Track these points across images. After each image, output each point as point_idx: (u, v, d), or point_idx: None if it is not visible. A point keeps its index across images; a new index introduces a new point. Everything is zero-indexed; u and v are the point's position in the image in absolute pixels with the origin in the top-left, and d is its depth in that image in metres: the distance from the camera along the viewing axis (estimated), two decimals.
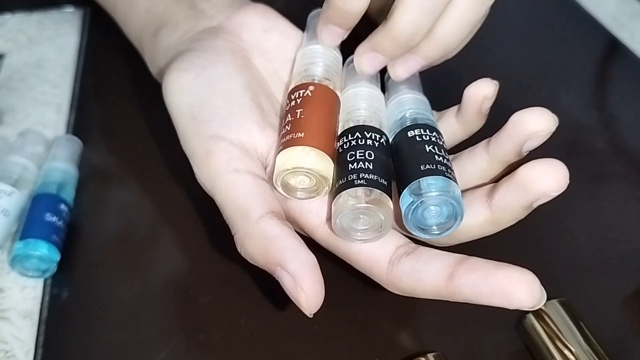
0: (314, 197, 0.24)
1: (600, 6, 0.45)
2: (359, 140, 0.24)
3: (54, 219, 0.29)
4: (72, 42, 0.42)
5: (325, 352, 0.26)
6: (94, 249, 0.30)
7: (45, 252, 0.28)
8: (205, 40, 0.29)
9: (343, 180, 0.23)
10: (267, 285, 0.28)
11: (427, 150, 0.23)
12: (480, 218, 0.23)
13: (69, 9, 0.45)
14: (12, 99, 0.38)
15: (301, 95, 0.26)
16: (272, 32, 0.30)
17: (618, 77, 0.40)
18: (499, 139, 0.23)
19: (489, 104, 0.25)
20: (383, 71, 0.29)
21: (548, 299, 0.25)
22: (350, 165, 0.23)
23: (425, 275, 0.22)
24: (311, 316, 0.21)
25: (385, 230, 0.23)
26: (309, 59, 0.28)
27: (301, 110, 0.25)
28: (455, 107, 0.27)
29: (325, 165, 0.24)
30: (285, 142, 0.24)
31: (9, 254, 0.29)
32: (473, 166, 0.24)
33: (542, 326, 0.25)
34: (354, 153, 0.24)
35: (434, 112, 0.28)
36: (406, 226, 0.23)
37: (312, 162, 0.23)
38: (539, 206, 0.31)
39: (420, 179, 0.22)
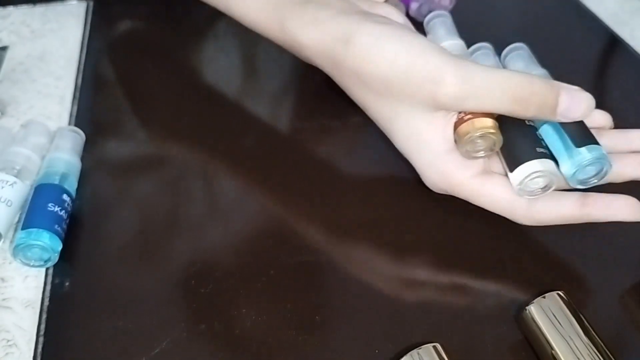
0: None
1: (600, 3, 0.45)
2: None
3: (57, 209, 0.29)
4: (75, 34, 0.42)
5: (325, 342, 0.26)
6: (96, 239, 0.30)
7: (47, 242, 0.28)
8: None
9: None
10: (267, 276, 0.28)
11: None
12: None
13: (72, 2, 0.45)
14: (15, 90, 0.38)
15: None
16: None
17: (618, 73, 0.40)
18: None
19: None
20: None
21: (547, 292, 0.26)
22: None
23: (561, 206, 0.28)
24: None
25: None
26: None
27: None
28: None
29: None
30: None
31: (11, 243, 0.29)
32: None
33: (541, 318, 0.25)
34: None
35: None
36: (572, 181, 0.28)
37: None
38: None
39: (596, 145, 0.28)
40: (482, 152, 0.29)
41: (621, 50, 0.42)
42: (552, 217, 0.29)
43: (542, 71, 0.33)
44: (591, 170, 0.28)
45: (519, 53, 0.33)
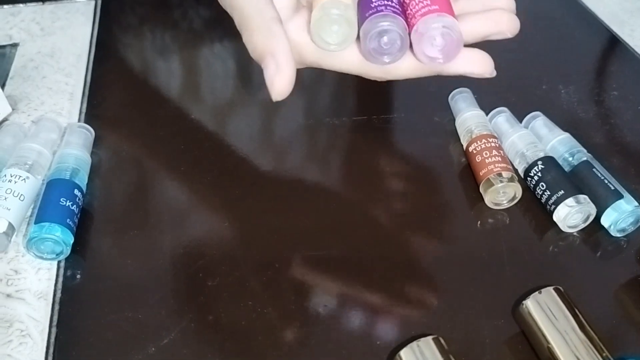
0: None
1: (600, 2, 0.45)
2: None
3: (68, 203, 0.30)
4: (85, 32, 0.43)
5: (328, 334, 0.27)
6: (107, 232, 0.31)
7: (60, 235, 0.29)
8: None
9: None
10: (273, 269, 0.29)
11: None
12: None
13: (82, 0, 0.45)
14: (26, 87, 0.39)
15: None
16: None
17: (617, 72, 0.41)
18: None
19: None
20: None
21: (544, 287, 0.26)
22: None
23: (416, 62, 0.28)
24: (275, 100, 0.26)
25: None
26: None
27: None
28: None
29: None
30: None
31: (24, 237, 0.30)
32: None
33: (537, 312, 0.26)
34: None
35: None
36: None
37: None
38: (537, 196, 0.32)
39: None
40: (505, 201, 0.32)
41: (620, 50, 0.42)
42: (406, 73, 0.29)
43: (564, 134, 0.34)
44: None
45: (542, 118, 0.35)
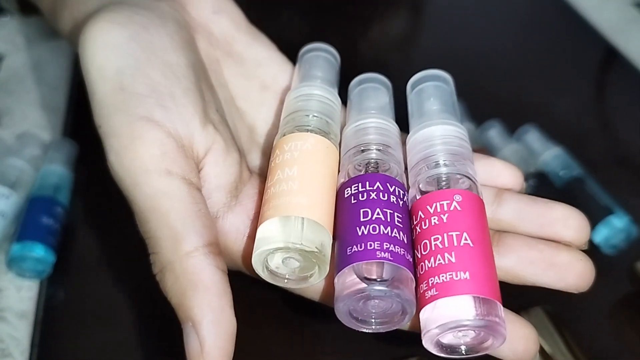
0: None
1: (598, 13, 0.45)
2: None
3: (50, 221, 0.30)
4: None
5: (310, 354, 0.26)
6: (89, 250, 0.31)
7: (42, 254, 0.29)
8: None
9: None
10: (255, 294, 0.29)
11: None
12: None
13: None
14: (10, 100, 0.38)
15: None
16: (222, 14, 0.25)
17: (615, 84, 0.40)
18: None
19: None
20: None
21: (532, 307, 0.26)
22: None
23: None
24: None
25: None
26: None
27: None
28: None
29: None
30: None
31: (6, 255, 0.30)
32: None
33: None
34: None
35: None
36: None
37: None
38: None
39: None
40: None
41: (618, 61, 0.42)
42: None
43: (557, 149, 0.33)
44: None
45: (534, 132, 0.34)
